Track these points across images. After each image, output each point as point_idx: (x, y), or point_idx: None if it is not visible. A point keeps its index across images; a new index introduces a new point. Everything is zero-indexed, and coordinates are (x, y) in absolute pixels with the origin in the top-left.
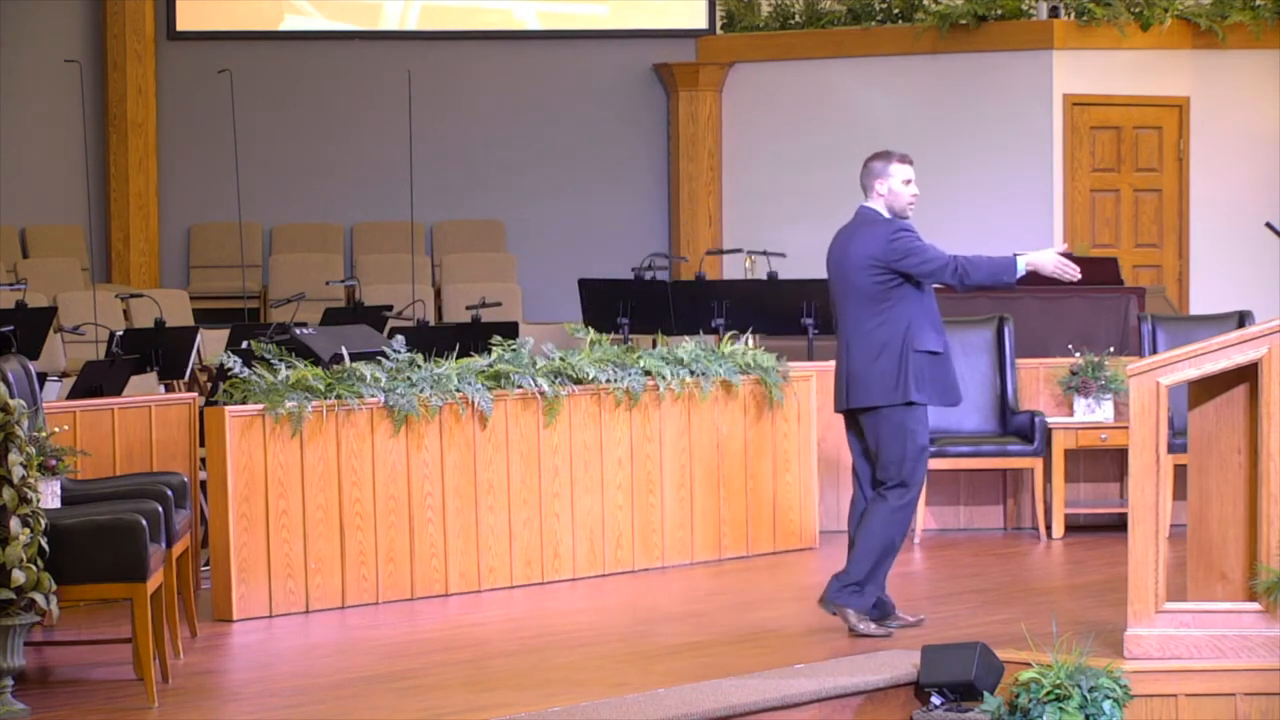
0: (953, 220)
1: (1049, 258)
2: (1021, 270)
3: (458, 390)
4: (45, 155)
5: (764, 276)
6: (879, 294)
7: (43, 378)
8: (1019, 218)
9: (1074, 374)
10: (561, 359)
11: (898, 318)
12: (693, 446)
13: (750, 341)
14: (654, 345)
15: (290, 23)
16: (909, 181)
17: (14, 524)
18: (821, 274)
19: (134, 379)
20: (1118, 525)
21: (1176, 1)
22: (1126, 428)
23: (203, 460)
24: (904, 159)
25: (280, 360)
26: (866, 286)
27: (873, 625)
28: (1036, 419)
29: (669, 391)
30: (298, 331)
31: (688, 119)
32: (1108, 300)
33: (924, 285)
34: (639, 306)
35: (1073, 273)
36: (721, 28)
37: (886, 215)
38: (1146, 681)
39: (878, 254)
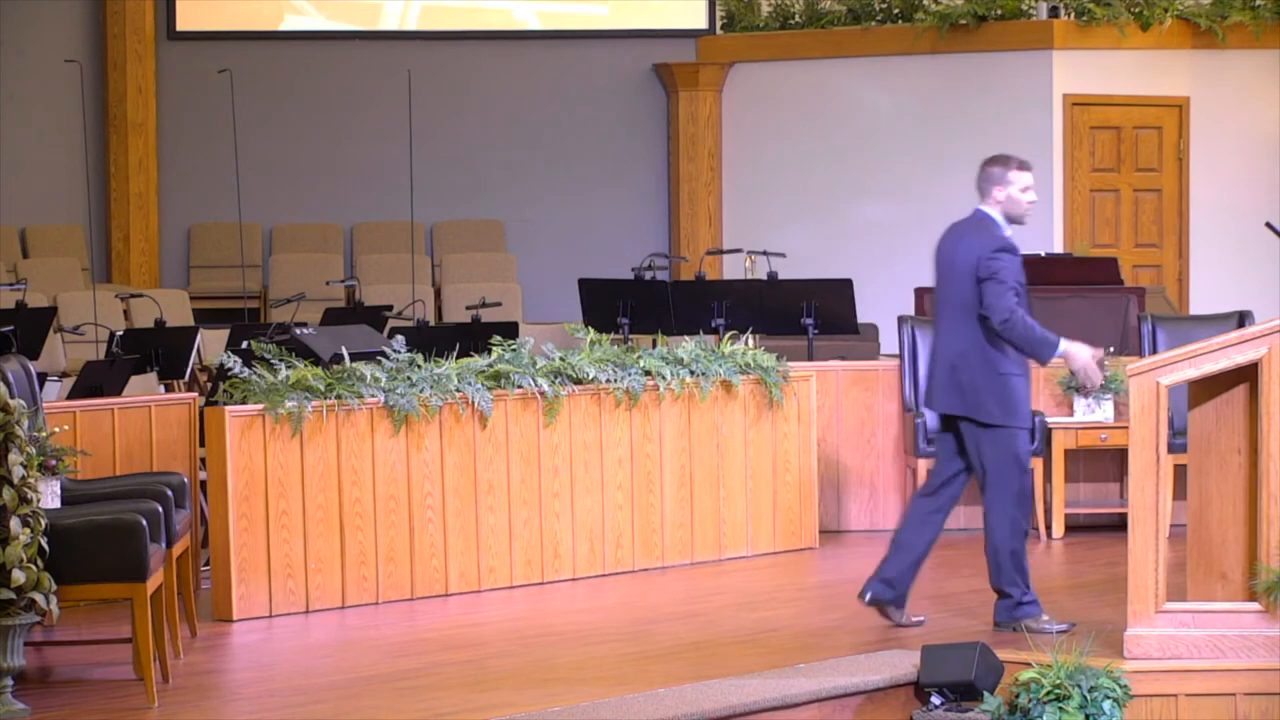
0: (952, 220)
1: (1084, 355)
2: (1060, 352)
3: (458, 390)
4: (45, 155)
5: (764, 276)
6: (974, 303)
7: (43, 378)
8: None
9: (1074, 374)
10: (561, 359)
11: (986, 331)
12: (693, 446)
13: (750, 341)
14: (654, 345)
15: (290, 23)
16: (1028, 189)
17: (14, 524)
18: (821, 274)
19: (134, 379)
20: (1118, 525)
21: (1176, 1)
22: (1126, 428)
23: (203, 460)
24: (1023, 166)
25: (280, 360)
26: (965, 292)
27: (1055, 622)
28: (1036, 419)
29: (669, 391)
30: (298, 331)
31: (688, 119)
32: (1108, 300)
33: (1021, 300)
34: (639, 306)
35: (1095, 380)
36: (721, 28)
37: (1002, 221)
38: (1146, 681)
39: (976, 264)
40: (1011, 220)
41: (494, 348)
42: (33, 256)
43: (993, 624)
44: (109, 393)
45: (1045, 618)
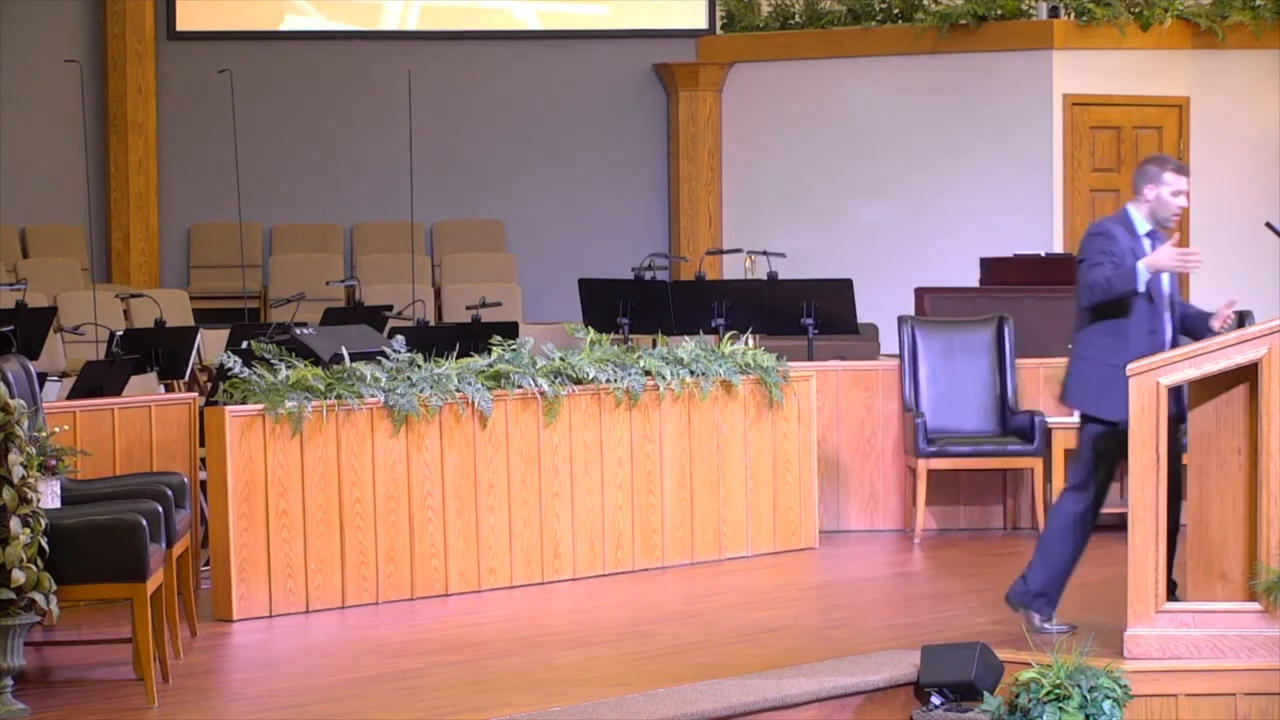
0: (952, 220)
1: (1164, 256)
2: (1144, 275)
3: (458, 390)
4: (45, 155)
5: (764, 276)
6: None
7: (43, 378)
8: (1019, 217)
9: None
10: (561, 359)
11: (1082, 317)
12: (693, 446)
13: (750, 341)
14: (654, 345)
15: (290, 23)
16: (1179, 193)
17: (14, 524)
18: (821, 274)
19: (134, 379)
20: (1118, 525)
21: (1176, 1)
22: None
23: (203, 460)
24: (1180, 169)
25: (280, 360)
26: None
27: (1057, 624)
28: (1036, 419)
29: (669, 391)
30: (298, 331)
31: (688, 119)
32: None
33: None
34: (639, 306)
35: (1195, 260)
36: (721, 28)
37: (1143, 219)
38: (1146, 681)
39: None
40: (1157, 223)
41: (494, 348)
42: (33, 256)
43: (1005, 596)
44: (109, 393)
45: (1050, 622)
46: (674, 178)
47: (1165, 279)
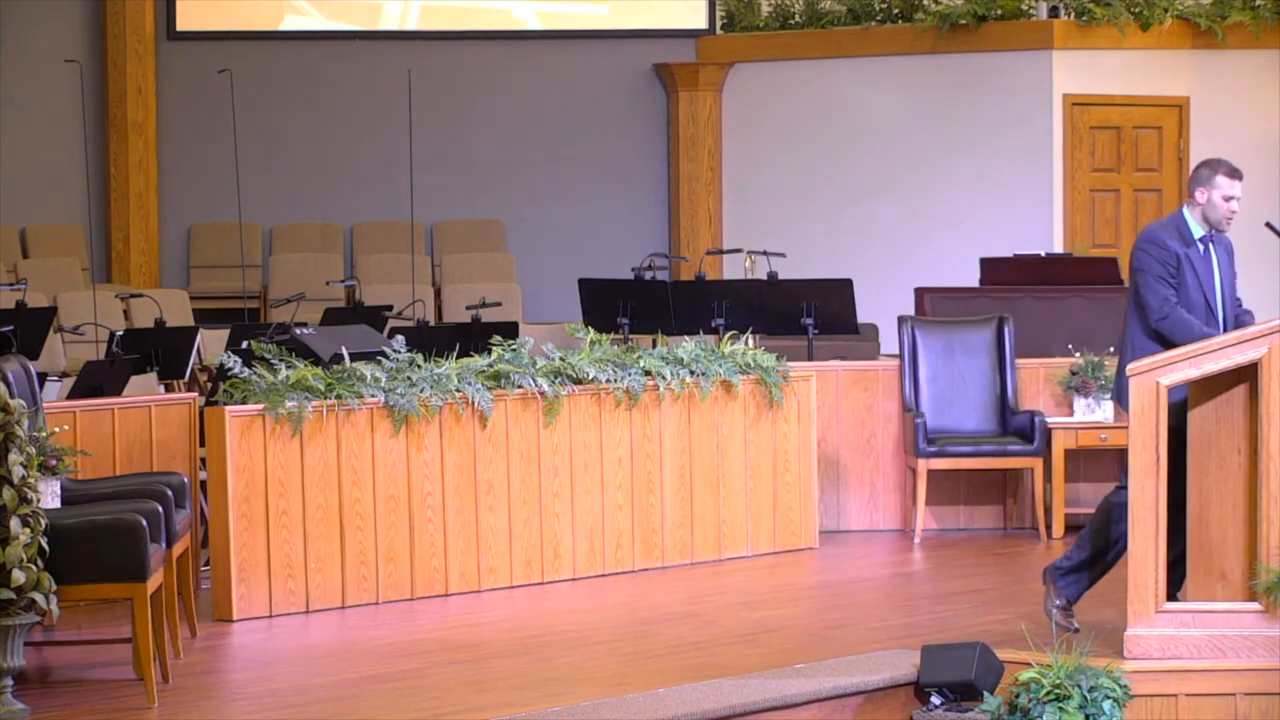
0: (952, 220)
1: None
2: None
3: (458, 390)
4: (45, 155)
5: (764, 276)
6: (1132, 293)
7: (43, 378)
8: (1019, 217)
9: (1074, 374)
10: (561, 359)
11: (1139, 323)
12: (693, 446)
13: (750, 341)
14: (654, 345)
15: (290, 23)
16: (1231, 199)
17: (14, 524)
18: (821, 274)
19: (134, 379)
20: None
21: (1176, 1)
22: (1126, 428)
23: (203, 460)
24: (1233, 174)
25: (280, 360)
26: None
27: (1065, 617)
28: (1036, 419)
29: (669, 391)
30: (298, 331)
31: (688, 119)
32: (1108, 300)
33: (1179, 294)
34: (639, 306)
35: None
36: (721, 28)
37: (1195, 222)
38: (1146, 681)
39: (1132, 255)
40: (1210, 226)
41: (494, 348)
42: (33, 256)
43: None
44: (109, 393)
45: (1064, 612)
46: (674, 178)
47: (1218, 282)
